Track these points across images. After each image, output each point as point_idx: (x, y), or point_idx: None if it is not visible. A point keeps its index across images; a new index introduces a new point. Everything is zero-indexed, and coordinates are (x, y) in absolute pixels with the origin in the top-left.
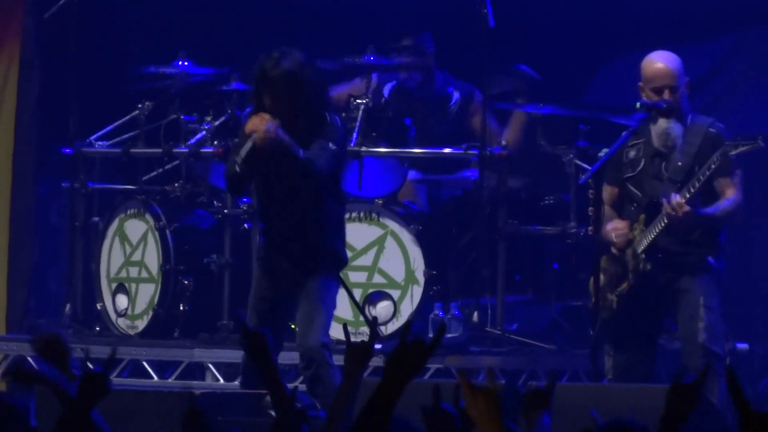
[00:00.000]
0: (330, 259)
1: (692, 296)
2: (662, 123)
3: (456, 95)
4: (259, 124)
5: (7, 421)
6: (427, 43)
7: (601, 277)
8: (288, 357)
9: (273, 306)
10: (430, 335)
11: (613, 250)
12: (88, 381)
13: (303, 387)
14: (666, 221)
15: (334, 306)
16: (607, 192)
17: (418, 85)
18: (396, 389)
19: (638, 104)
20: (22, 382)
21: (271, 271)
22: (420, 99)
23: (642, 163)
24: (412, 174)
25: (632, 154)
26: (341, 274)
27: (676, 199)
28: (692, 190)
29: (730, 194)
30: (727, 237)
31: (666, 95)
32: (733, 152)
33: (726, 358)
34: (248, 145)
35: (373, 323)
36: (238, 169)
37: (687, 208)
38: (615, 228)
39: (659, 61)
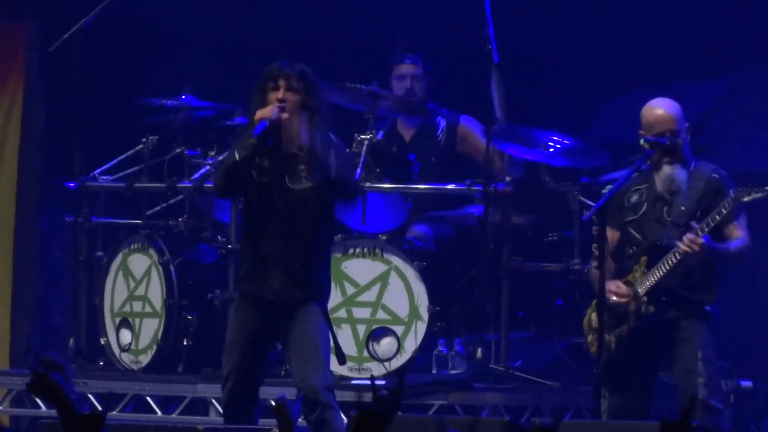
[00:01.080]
0: (324, 289)
1: (690, 348)
2: (666, 169)
3: (442, 124)
4: (268, 110)
5: None
6: (427, 66)
7: (593, 316)
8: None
9: (258, 343)
10: (434, 372)
11: (611, 300)
12: (86, 422)
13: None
14: (674, 261)
15: (329, 342)
16: (608, 236)
17: (414, 118)
18: None
19: (642, 141)
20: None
21: (258, 300)
22: (410, 134)
23: (644, 208)
24: (419, 228)
25: (634, 198)
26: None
27: (690, 236)
28: (705, 229)
29: (738, 235)
30: (723, 286)
31: (671, 143)
32: (746, 198)
33: (724, 410)
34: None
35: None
36: (237, 157)
37: (702, 240)
38: (617, 292)
39: (659, 108)
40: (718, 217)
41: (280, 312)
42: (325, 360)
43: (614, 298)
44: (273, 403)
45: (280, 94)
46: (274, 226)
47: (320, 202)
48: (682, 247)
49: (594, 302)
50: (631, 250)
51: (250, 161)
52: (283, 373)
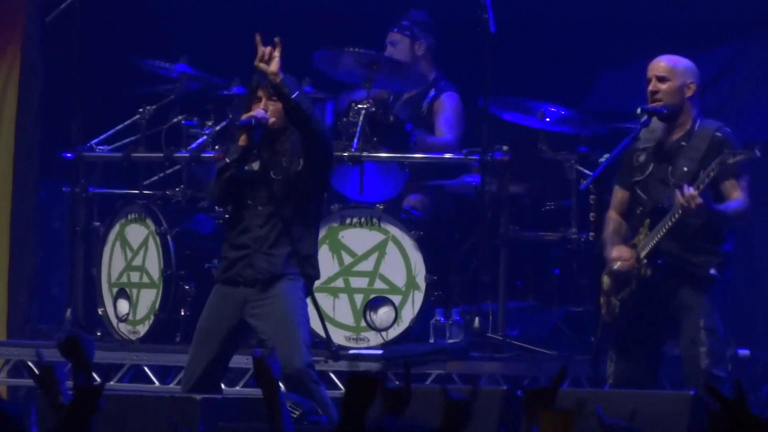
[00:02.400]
0: (308, 274)
1: (693, 317)
2: (662, 131)
3: (431, 94)
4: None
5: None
6: (421, 33)
7: (607, 280)
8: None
9: (233, 334)
10: (431, 341)
11: (615, 267)
12: (83, 395)
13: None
14: (672, 222)
15: (307, 318)
16: (618, 196)
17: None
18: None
19: (639, 109)
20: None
21: (237, 289)
22: (403, 99)
23: (650, 168)
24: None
25: (642, 158)
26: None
27: (690, 191)
28: (701, 187)
29: (736, 196)
30: (733, 246)
31: (651, 85)
32: (731, 161)
33: (729, 379)
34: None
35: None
36: (227, 160)
37: (700, 200)
38: (620, 257)
39: (660, 58)
40: (707, 179)
41: (259, 296)
42: (305, 339)
43: (618, 263)
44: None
45: (262, 106)
46: (258, 215)
47: (302, 188)
48: (680, 200)
49: (608, 266)
50: (638, 211)
51: (241, 162)
52: (254, 342)
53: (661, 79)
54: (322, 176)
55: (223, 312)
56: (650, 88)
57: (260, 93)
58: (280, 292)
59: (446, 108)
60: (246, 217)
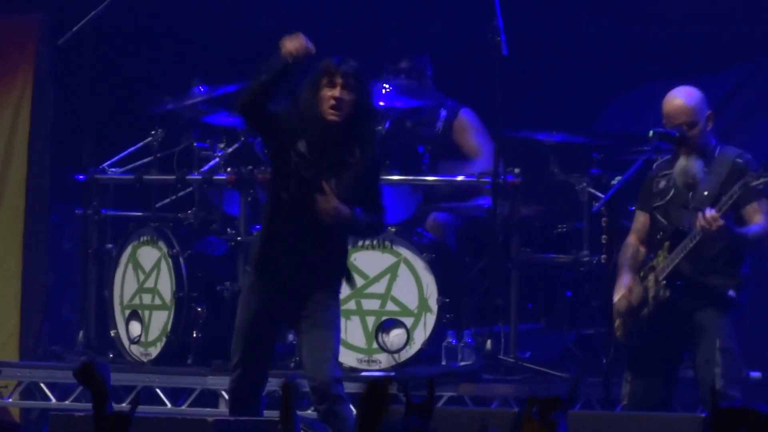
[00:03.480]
0: (339, 280)
1: (709, 338)
2: (682, 161)
3: (443, 114)
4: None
5: None
6: (425, 65)
7: (623, 301)
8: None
9: (267, 330)
10: (443, 363)
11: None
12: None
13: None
14: (692, 245)
15: (340, 331)
16: (640, 221)
17: (416, 110)
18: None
19: (651, 132)
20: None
21: (269, 285)
22: (411, 122)
23: (671, 193)
24: (441, 216)
25: (662, 184)
26: None
27: (711, 213)
28: (723, 209)
29: (758, 220)
30: (749, 269)
31: (689, 133)
32: (754, 183)
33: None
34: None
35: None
36: (265, 75)
37: (721, 222)
38: (628, 296)
39: (678, 98)
40: (729, 202)
41: (292, 297)
42: (336, 352)
43: (620, 298)
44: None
45: (336, 93)
46: (298, 214)
47: (346, 202)
48: (700, 222)
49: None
50: (658, 236)
51: (276, 83)
52: (292, 365)
53: (691, 124)
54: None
55: (263, 312)
56: (689, 135)
57: (337, 79)
58: (320, 302)
59: (471, 125)
60: (285, 219)
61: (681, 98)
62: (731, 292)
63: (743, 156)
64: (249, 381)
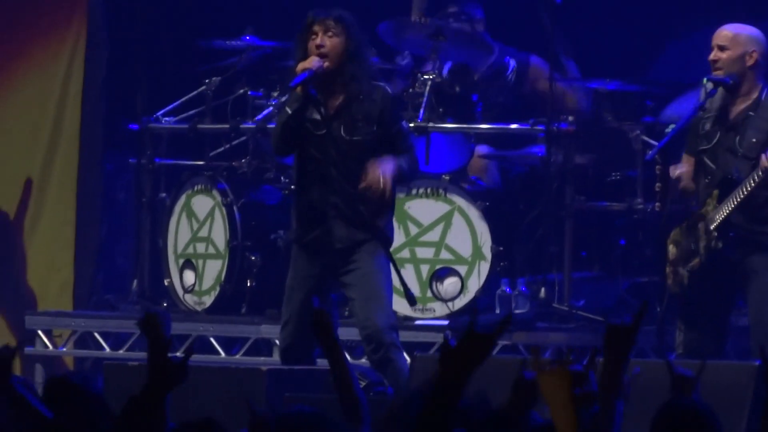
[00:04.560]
0: (387, 234)
1: (762, 280)
2: (728, 99)
3: (512, 63)
4: (309, 61)
5: (79, 400)
6: (474, 10)
7: (673, 249)
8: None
9: (319, 289)
10: (497, 311)
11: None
12: (166, 368)
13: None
14: (743, 194)
15: (391, 283)
16: (685, 162)
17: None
18: (460, 379)
19: (705, 79)
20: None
21: (318, 250)
22: (478, 72)
23: (717, 136)
24: (483, 149)
25: (708, 126)
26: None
27: None
28: None
29: None
30: None
31: (713, 54)
32: None
33: None
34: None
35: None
36: (289, 111)
37: None
38: (682, 172)
39: (724, 27)
40: None
41: (342, 257)
42: (388, 299)
43: (677, 172)
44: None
45: (318, 41)
46: (331, 177)
47: (377, 151)
48: (764, 163)
49: (672, 234)
50: (706, 180)
51: (301, 114)
52: (346, 313)
53: (722, 48)
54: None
55: (309, 273)
56: (711, 56)
57: (316, 28)
58: (363, 256)
59: (546, 71)
60: (318, 179)
61: (727, 27)
62: None
63: None
64: (299, 338)
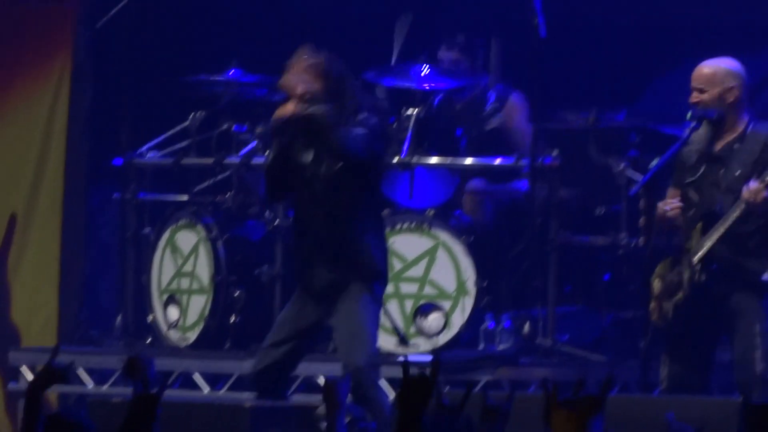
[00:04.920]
0: (375, 271)
1: (748, 321)
2: (714, 132)
3: (492, 96)
4: (284, 108)
5: None
6: (478, 48)
7: (658, 284)
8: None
9: (309, 331)
10: (481, 347)
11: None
12: (141, 403)
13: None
14: (730, 222)
15: (377, 321)
16: (671, 194)
17: (466, 92)
18: (412, 422)
19: (689, 114)
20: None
21: (311, 289)
22: (461, 104)
23: (702, 169)
24: (476, 183)
25: (693, 159)
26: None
27: (755, 184)
28: (766, 180)
29: None
30: None
31: (693, 96)
32: None
33: None
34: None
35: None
36: (270, 157)
37: (764, 193)
38: (666, 201)
39: (701, 65)
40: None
41: (332, 296)
42: (370, 337)
43: (669, 210)
44: (321, 382)
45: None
46: (315, 215)
47: (353, 183)
48: (745, 193)
49: (657, 269)
50: (690, 213)
51: (282, 159)
52: (330, 348)
53: (701, 90)
54: (364, 180)
55: (301, 312)
56: (691, 99)
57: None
58: (350, 296)
59: (519, 110)
60: (305, 218)
61: (706, 64)
62: (766, 276)
63: None
64: (274, 370)
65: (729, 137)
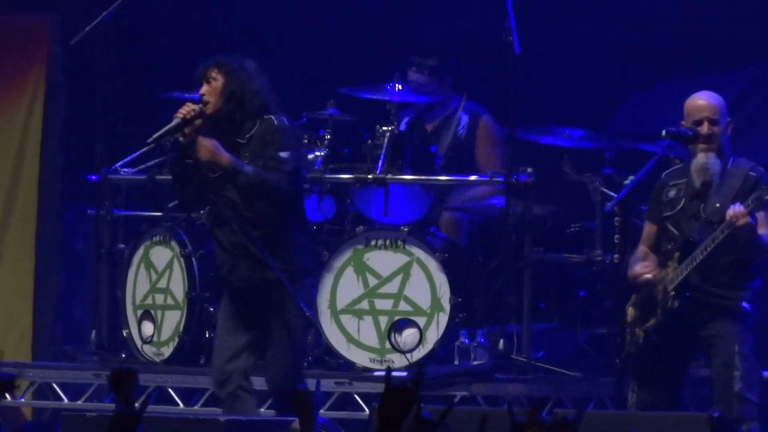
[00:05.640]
0: (294, 273)
1: (726, 343)
2: (701, 157)
3: (464, 119)
4: (182, 110)
5: None
6: (448, 71)
7: (631, 311)
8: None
9: (238, 327)
10: (456, 363)
11: (646, 277)
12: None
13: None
14: (703, 256)
15: (301, 328)
16: (647, 230)
17: (437, 113)
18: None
19: (664, 132)
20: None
21: (231, 288)
22: (432, 124)
23: (681, 203)
24: (454, 214)
25: (672, 193)
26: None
27: (739, 208)
28: (750, 204)
29: (763, 232)
30: (761, 283)
31: (706, 127)
32: (767, 197)
33: (759, 404)
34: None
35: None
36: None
37: (748, 219)
38: (644, 269)
39: (701, 98)
40: (756, 202)
41: (253, 297)
42: (295, 354)
43: (645, 275)
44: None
45: (202, 90)
46: (230, 217)
47: (271, 200)
48: (728, 215)
49: (632, 297)
50: (668, 246)
51: (182, 159)
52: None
53: (713, 122)
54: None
55: (227, 312)
56: (705, 131)
57: (202, 80)
58: (272, 303)
59: (491, 135)
60: (219, 219)
61: (704, 97)
62: (744, 304)
63: (756, 169)
64: (226, 373)
65: (711, 172)
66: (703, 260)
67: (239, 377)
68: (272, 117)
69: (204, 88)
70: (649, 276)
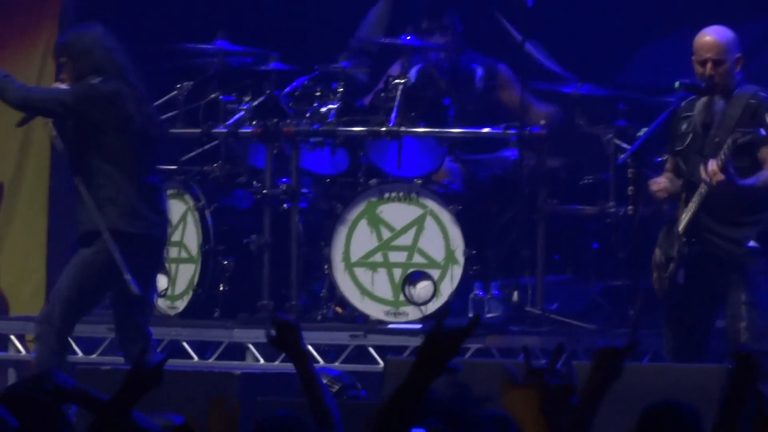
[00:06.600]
0: (115, 223)
1: (735, 293)
2: (704, 99)
3: (479, 71)
4: None
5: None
6: (457, 23)
7: (658, 253)
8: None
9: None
10: (470, 315)
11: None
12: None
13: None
14: (701, 197)
15: (88, 283)
16: (669, 161)
17: (449, 66)
18: (429, 375)
19: (677, 84)
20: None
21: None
22: (447, 79)
23: (689, 138)
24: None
25: (683, 127)
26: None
27: (712, 165)
28: (723, 158)
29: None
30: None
31: (708, 68)
32: (741, 140)
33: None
34: None
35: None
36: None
37: (721, 176)
38: (656, 183)
39: (708, 34)
40: (727, 152)
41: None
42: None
43: (656, 190)
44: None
45: (62, 77)
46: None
47: (77, 137)
48: (703, 175)
49: (659, 237)
50: (681, 182)
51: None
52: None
53: (718, 63)
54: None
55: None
56: (707, 72)
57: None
58: (80, 252)
59: (511, 80)
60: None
61: (711, 34)
62: (751, 243)
63: (758, 95)
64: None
65: (711, 112)
66: (703, 201)
67: None
68: (101, 79)
69: (63, 74)
70: (661, 190)
